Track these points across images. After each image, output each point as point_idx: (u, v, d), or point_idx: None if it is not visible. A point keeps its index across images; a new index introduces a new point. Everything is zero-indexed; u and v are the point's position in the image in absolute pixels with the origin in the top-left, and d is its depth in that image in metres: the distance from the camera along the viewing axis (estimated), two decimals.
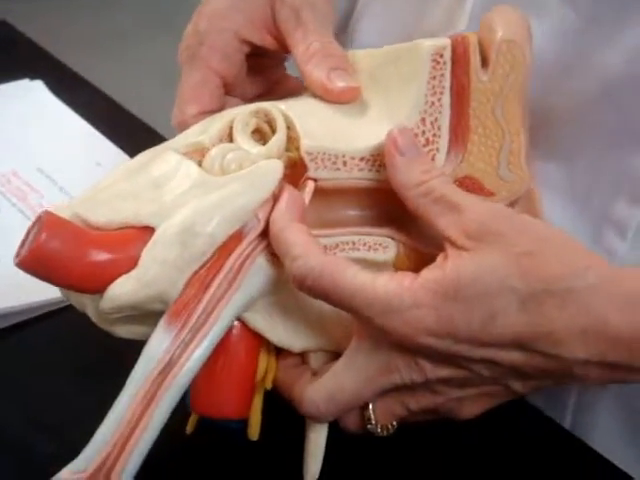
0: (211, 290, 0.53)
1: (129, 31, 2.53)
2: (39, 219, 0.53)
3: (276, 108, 0.57)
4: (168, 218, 0.54)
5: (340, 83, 0.58)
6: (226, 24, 0.62)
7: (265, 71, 0.65)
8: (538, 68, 0.62)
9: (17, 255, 0.53)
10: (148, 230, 0.54)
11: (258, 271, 0.54)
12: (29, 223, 0.54)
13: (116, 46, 2.44)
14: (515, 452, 0.63)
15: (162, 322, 0.53)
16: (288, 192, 0.55)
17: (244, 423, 0.57)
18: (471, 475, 0.61)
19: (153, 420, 0.52)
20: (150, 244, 0.53)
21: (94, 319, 0.56)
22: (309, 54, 0.59)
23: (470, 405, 0.55)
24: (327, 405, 0.54)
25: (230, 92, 0.63)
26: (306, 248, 0.52)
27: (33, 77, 0.90)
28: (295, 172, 0.57)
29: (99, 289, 0.53)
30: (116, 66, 2.27)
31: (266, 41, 0.63)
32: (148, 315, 0.54)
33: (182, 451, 0.60)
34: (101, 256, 0.53)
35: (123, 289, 0.53)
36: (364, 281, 0.52)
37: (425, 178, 0.54)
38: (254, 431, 0.57)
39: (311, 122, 0.57)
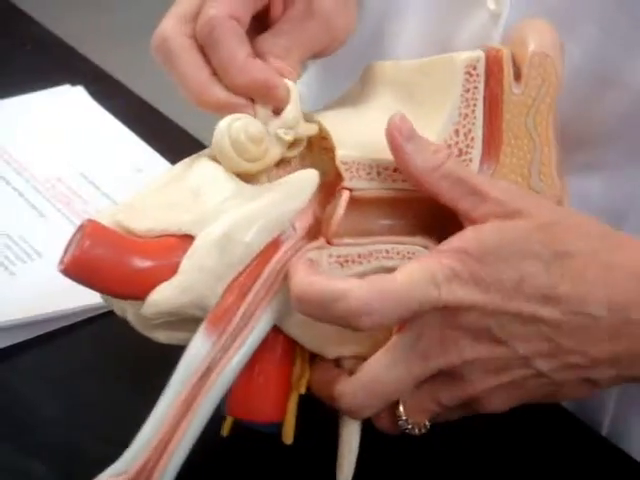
0: (249, 297, 0.55)
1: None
2: (82, 227, 0.54)
3: (292, 85, 0.58)
4: (207, 226, 0.55)
5: None
6: None
7: None
8: (574, 87, 0.63)
9: (61, 262, 0.54)
10: (188, 238, 0.55)
11: None
12: (74, 229, 0.55)
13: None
14: (550, 458, 0.63)
15: (202, 328, 0.54)
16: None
17: (279, 427, 0.58)
18: None
19: (192, 424, 0.54)
20: (190, 251, 0.55)
21: (134, 325, 0.57)
22: None
23: (500, 397, 0.56)
24: (364, 397, 0.55)
25: None
26: (335, 288, 0.53)
27: (74, 83, 0.90)
28: (331, 182, 0.58)
29: (140, 296, 0.54)
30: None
31: None
32: (187, 321, 0.55)
33: (218, 454, 0.61)
34: (143, 263, 0.54)
35: (164, 295, 0.54)
36: (402, 282, 0.53)
37: (439, 158, 0.55)
38: (288, 435, 0.58)
39: (345, 132, 0.59)
